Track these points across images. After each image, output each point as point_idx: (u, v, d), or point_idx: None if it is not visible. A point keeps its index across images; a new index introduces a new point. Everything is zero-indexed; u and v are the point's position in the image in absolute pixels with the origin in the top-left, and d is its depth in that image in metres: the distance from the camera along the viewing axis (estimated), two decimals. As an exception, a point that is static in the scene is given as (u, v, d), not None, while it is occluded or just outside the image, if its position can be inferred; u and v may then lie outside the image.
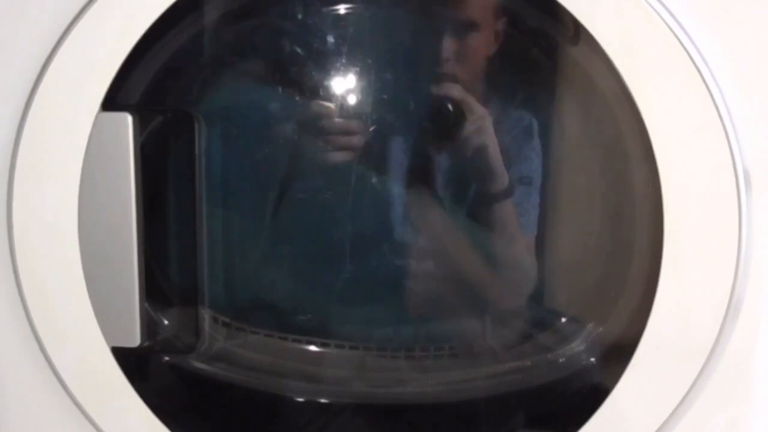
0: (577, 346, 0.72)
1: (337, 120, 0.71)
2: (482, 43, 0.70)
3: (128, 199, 0.64)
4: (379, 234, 0.76)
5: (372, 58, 0.71)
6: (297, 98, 0.72)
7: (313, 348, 0.77)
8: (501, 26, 0.69)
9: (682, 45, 0.57)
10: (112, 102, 0.63)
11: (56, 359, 0.68)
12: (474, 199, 0.75)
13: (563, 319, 0.75)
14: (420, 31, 0.72)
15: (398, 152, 0.74)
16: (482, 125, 0.71)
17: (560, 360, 0.73)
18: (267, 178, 0.77)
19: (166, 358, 0.73)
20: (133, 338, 0.66)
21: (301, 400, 0.74)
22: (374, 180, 0.75)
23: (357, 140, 0.72)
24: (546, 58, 0.70)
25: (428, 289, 0.78)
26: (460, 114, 0.70)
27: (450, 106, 0.70)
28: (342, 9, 0.70)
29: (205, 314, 0.76)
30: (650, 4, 0.57)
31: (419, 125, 0.74)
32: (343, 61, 0.70)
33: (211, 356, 0.76)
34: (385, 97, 0.72)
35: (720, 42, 0.57)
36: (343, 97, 0.71)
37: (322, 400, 0.74)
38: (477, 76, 0.73)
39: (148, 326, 0.67)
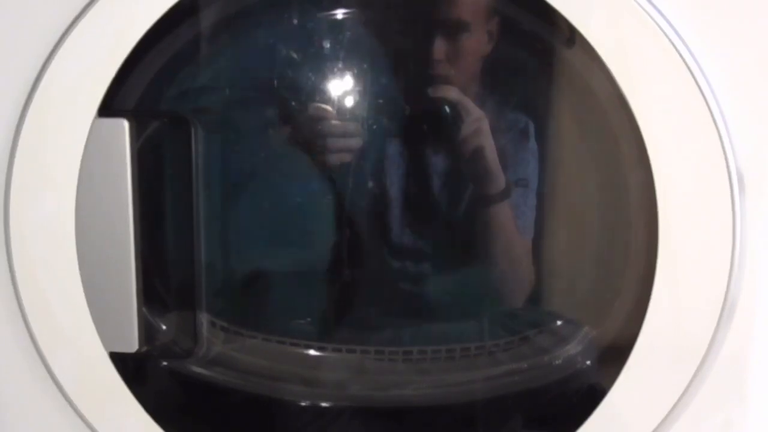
0: (574, 348, 0.72)
1: (334, 122, 0.71)
2: (475, 45, 0.70)
3: (125, 205, 0.64)
4: (376, 236, 0.76)
5: (368, 61, 0.71)
6: (293, 102, 0.72)
7: (310, 351, 0.77)
8: (494, 27, 0.69)
9: (675, 49, 0.57)
10: (108, 108, 0.63)
11: (54, 364, 0.68)
12: (471, 201, 0.75)
13: (559, 322, 0.75)
14: (416, 33, 0.72)
15: (395, 154, 0.74)
16: (479, 127, 0.71)
17: (557, 362, 0.73)
18: (264, 182, 0.77)
19: (164, 363, 0.73)
20: (131, 343, 0.66)
21: (299, 403, 0.74)
22: (371, 182, 0.75)
23: (354, 142, 0.72)
24: (541, 61, 0.71)
25: (425, 292, 0.78)
26: (457, 116, 0.70)
27: (447, 108, 0.70)
28: (338, 13, 0.70)
29: (203, 319, 0.76)
30: (644, 9, 0.57)
31: (416, 127, 0.74)
32: (340, 64, 0.70)
33: (209, 360, 0.76)
34: (382, 99, 0.72)
35: (713, 46, 0.57)
36: (340, 100, 0.71)
37: (321, 404, 0.74)
38: (473, 79, 0.73)
39: (146, 331, 0.67)
